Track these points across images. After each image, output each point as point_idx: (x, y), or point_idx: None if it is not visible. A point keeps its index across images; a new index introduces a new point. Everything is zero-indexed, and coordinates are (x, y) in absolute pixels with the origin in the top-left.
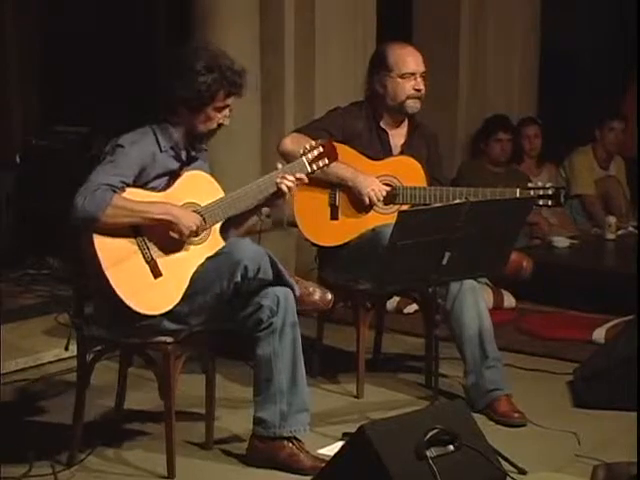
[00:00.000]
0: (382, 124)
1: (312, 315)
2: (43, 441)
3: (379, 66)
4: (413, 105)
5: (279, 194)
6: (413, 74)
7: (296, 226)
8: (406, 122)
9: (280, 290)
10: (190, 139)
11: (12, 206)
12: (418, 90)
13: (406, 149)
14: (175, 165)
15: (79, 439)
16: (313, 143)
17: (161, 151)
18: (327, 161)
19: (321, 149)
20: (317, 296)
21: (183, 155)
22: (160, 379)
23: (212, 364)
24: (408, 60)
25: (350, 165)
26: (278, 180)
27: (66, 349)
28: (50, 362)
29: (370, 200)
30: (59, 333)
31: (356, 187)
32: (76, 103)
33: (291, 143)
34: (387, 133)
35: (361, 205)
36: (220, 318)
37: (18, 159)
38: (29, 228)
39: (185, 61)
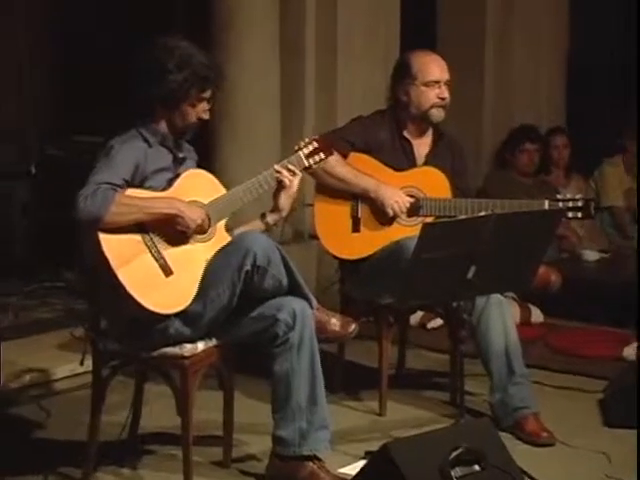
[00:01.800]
0: (406, 133)
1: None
2: (57, 458)
3: (403, 74)
4: (437, 114)
5: (279, 187)
6: (437, 82)
7: (317, 238)
8: (430, 131)
9: (296, 303)
10: (173, 134)
11: (27, 217)
12: (442, 99)
13: (431, 159)
14: (168, 160)
15: (94, 456)
16: (307, 139)
17: (150, 146)
18: (323, 156)
19: (316, 144)
20: (338, 326)
21: (174, 150)
22: (177, 395)
23: (230, 380)
24: (432, 68)
25: (373, 176)
26: (277, 174)
27: (81, 364)
28: (65, 377)
29: (393, 212)
30: (74, 347)
31: (379, 198)
32: (93, 113)
33: None
34: (411, 143)
35: (384, 217)
36: (234, 324)
37: (33, 169)
38: (44, 240)
39: (157, 60)
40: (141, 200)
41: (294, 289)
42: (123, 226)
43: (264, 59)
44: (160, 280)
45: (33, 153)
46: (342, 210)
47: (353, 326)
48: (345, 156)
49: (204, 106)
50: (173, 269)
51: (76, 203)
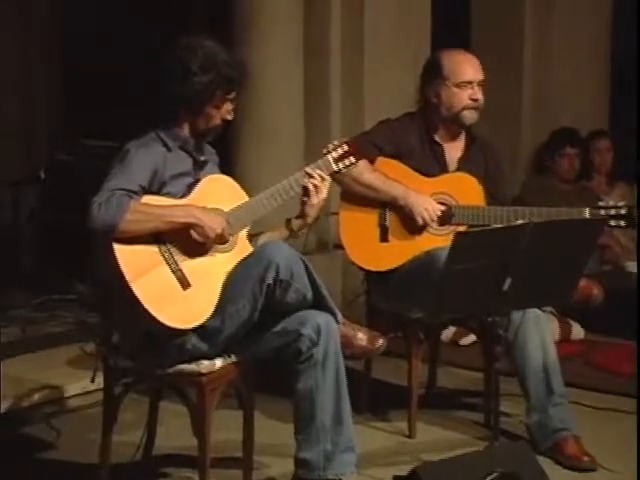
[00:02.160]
0: (436, 137)
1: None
2: None
3: (433, 74)
4: (470, 116)
5: (306, 194)
6: (470, 83)
7: (342, 248)
8: (463, 135)
9: (321, 317)
10: (195, 137)
11: (36, 223)
12: (475, 100)
13: (463, 164)
14: (188, 165)
15: (106, 479)
16: (336, 142)
17: (170, 151)
18: (353, 160)
19: (346, 147)
20: (365, 341)
21: (194, 154)
22: (194, 414)
23: (250, 399)
24: (465, 67)
25: (401, 182)
26: (304, 180)
27: (92, 381)
28: (75, 395)
29: (423, 220)
30: (85, 363)
31: (408, 206)
32: (103, 116)
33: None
34: (442, 147)
35: (413, 226)
36: (255, 340)
37: (42, 174)
38: (53, 248)
39: (180, 60)
40: (158, 208)
41: (318, 302)
42: (139, 236)
43: (287, 60)
44: (177, 293)
45: (42, 158)
46: (369, 219)
47: (381, 341)
48: (372, 161)
49: (228, 106)
50: (191, 282)
51: (89, 211)
